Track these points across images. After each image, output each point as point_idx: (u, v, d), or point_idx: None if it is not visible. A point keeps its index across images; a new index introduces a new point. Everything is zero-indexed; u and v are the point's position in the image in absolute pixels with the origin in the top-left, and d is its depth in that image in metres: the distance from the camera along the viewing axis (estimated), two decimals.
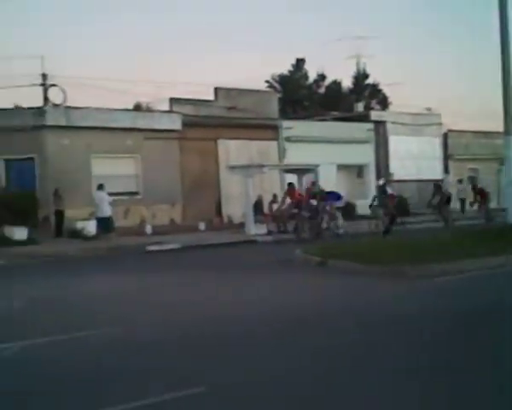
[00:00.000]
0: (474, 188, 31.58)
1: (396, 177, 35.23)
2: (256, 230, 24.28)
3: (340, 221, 24.94)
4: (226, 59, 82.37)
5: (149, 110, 34.43)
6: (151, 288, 13.88)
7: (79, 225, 23.78)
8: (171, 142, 28.64)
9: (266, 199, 27.25)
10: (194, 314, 10.59)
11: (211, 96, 32.17)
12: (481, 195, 30.28)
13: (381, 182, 24.97)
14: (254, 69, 70.19)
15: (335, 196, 25.57)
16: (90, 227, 23.56)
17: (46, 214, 24.52)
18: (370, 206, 24.53)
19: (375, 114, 38.88)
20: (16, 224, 22.65)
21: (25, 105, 28.61)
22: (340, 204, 25.66)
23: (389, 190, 23.85)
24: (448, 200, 26.76)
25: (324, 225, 24.48)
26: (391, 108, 51.64)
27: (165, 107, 30.86)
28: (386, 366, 6.99)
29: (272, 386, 6.54)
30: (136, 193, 27.35)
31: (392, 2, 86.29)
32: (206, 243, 21.89)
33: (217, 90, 31.92)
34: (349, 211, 29.56)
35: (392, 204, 23.55)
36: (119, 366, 7.54)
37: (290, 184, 25.31)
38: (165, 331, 9.48)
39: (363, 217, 27.61)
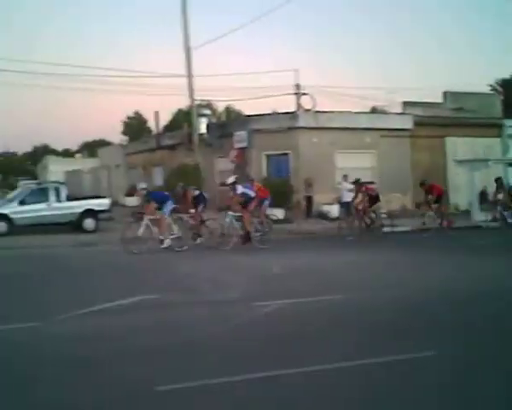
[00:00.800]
0: None
1: None
2: (481, 217, 23.24)
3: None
4: (452, 64, 79.28)
5: (384, 112, 34.33)
6: (391, 262, 14.02)
7: (325, 208, 24.60)
8: (403, 139, 28.43)
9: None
10: (436, 286, 10.57)
11: (439, 99, 31.48)
12: None
13: (231, 180, 18.12)
14: (478, 73, 66.84)
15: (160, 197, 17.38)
16: (334, 210, 24.23)
17: (298, 199, 25.63)
18: None
19: None
20: (275, 206, 23.92)
21: (281, 111, 29.94)
22: (166, 210, 16.73)
23: (242, 190, 17.45)
24: None
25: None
26: None
27: (398, 109, 30.72)
28: None
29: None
30: (372, 183, 27.45)
31: None
32: (434, 226, 21.42)
33: (445, 93, 31.18)
34: None
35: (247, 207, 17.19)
36: (355, 326, 7.71)
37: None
38: (407, 297, 9.58)
39: None
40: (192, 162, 29.34)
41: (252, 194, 17.52)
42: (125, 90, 57.72)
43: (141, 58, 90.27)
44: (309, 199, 25.27)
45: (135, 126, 78.65)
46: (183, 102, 55.78)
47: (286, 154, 27.04)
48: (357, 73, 75.91)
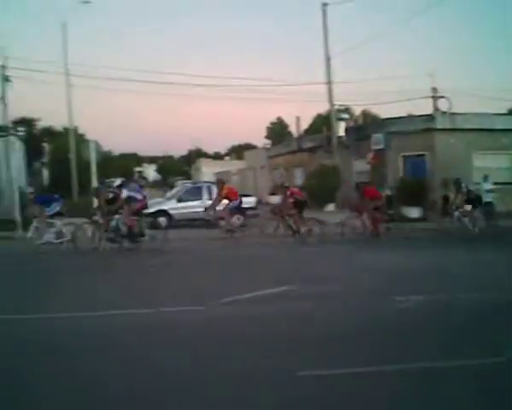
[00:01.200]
0: None
1: None
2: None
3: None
4: None
5: None
6: None
7: None
8: None
9: None
10: None
11: None
12: None
13: (118, 182, 16.54)
14: None
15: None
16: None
17: (434, 198, 24.69)
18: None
19: None
20: (411, 205, 23.35)
21: (416, 113, 29.08)
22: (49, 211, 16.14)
23: (127, 193, 15.83)
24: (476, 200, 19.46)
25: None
26: None
27: None
28: None
29: None
30: (510, 183, 25.79)
31: None
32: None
33: None
34: None
35: (129, 210, 15.57)
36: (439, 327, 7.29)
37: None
38: None
39: None
40: (331, 164, 29.37)
41: (138, 196, 16.21)
42: (269, 98, 58.80)
43: (281, 67, 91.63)
44: (445, 198, 24.23)
45: (277, 131, 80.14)
46: (322, 108, 55.89)
47: (422, 155, 26.23)
48: (494, 74, 71.65)
